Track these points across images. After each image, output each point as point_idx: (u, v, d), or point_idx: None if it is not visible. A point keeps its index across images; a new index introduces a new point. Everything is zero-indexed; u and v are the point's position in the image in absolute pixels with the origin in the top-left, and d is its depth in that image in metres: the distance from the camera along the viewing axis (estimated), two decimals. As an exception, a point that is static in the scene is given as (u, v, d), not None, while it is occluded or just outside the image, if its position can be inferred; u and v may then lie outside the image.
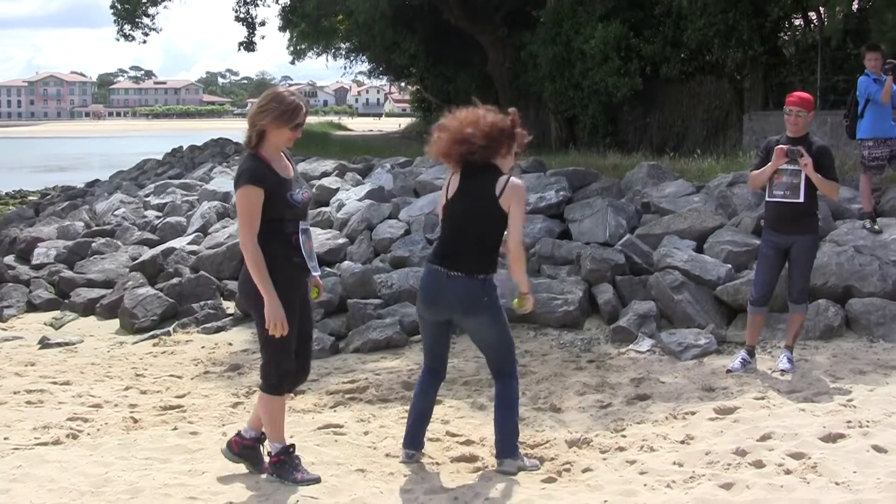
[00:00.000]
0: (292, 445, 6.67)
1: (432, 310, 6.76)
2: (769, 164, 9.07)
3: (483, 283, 6.56)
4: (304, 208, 6.54)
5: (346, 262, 13.90)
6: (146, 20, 38.09)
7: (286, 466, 6.57)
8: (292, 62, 66.28)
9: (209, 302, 13.48)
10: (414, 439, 7.08)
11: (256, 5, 41.60)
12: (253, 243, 6.21)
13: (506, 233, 6.62)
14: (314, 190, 17.99)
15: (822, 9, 21.36)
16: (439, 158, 6.80)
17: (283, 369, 6.49)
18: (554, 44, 26.46)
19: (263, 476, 6.66)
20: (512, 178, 6.57)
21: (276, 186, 6.31)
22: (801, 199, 8.96)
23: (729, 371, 9.19)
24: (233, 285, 12.92)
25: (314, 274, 6.63)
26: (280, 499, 6.29)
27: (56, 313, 14.34)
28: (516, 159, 6.88)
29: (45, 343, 12.23)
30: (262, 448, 6.87)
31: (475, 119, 6.55)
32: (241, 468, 6.79)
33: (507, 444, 6.78)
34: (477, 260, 6.56)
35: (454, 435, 7.69)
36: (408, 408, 8.50)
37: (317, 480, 6.54)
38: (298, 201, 6.45)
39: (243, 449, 6.82)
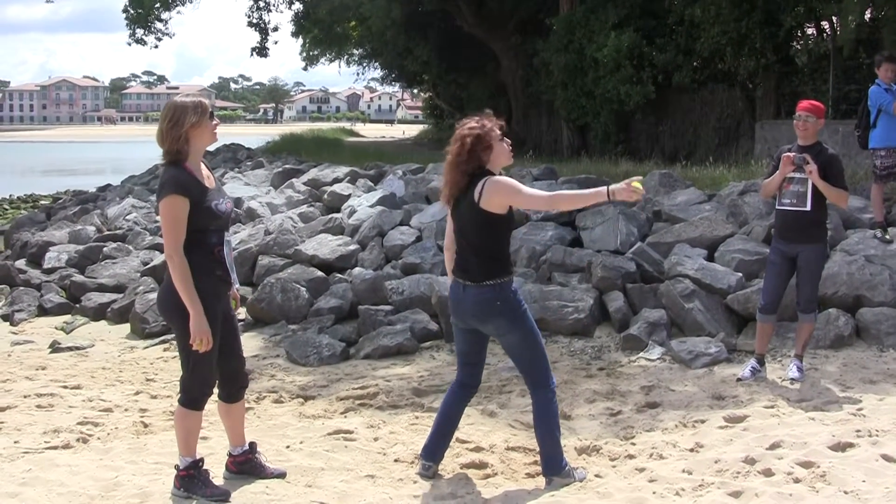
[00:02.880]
0: (202, 460, 6.56)
1: (458, 320, 6.72)
2: (777, 172, 9.08)
3: (493, 289, 6.41)
4: (227, 219, 6.43)
5: (357, 269, 13.88)
6: (159, 25, 38.47)
7: (195, 481, 6.44)
8: (305, 68, 66.69)
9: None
10: (434, 451, 6.97)
11: (269, 11, 41.99)
12: (180, 255, 6.08)
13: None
14: (326, 196, 18.05)
15: (834, 18, 21.36)
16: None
17: (207, 384, 6.43)
18: (566, 52, 26.55)
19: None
20: (489, 178, 6.34)
21: (201, 196, 6.19)
22: (808, 208, 8.93)
23: (739, 379, 9.17)
24: (243, 290, 12.90)
25: (234, 287, 6.56)
26: (289, 504, 6.31)
27: (67, 317, 14.37)
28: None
29: (55, 347, 12.25)
30: (259, 455, 6.90)
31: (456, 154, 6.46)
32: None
33: (550, 461, 6.67)
34: (483, 268, 6.43)
35: (464, 441, 7.66)
36: (418, 414, 8.57)
37: (225, 495, 6.44)
38: (223, 211, 6.35)
39: (241, 465, 6.85)
